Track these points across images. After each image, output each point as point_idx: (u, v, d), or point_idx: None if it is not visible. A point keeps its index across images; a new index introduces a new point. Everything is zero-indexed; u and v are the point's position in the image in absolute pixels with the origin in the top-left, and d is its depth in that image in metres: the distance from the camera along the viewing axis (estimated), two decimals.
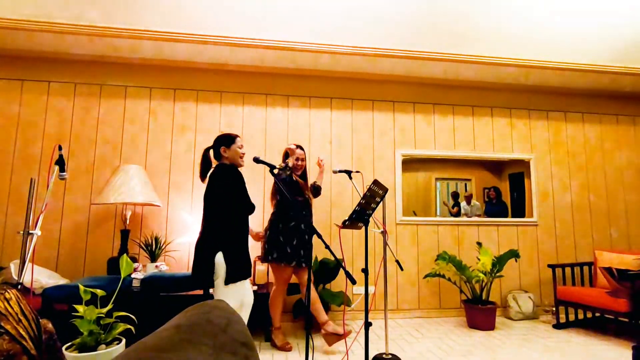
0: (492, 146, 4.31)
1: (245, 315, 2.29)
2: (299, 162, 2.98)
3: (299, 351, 2.88)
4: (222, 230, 2.14)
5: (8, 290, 0.90)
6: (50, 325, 1.03)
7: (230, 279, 2.08)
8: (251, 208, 2.21)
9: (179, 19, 3.15)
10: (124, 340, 2.08)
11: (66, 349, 1.91)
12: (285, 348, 2.86)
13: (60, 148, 2.37)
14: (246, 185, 2.27)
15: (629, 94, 4.58)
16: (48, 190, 2.17)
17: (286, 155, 2.98)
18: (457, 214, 4.19)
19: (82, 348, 1.91)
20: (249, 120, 3.91)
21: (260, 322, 3.11)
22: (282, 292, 2.95)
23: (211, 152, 2.33)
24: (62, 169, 2.33)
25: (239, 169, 2.31)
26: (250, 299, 2.31)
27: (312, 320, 3.31)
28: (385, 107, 4.17)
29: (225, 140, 2.27)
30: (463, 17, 3.14)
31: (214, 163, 2.32)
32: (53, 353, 0.99)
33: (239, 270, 2.13)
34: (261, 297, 3.12)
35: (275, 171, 2.20)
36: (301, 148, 3.01)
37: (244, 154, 2.31)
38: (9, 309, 0.85)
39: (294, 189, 2.92)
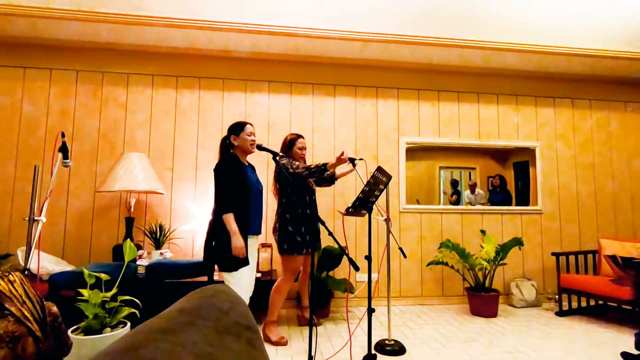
0: (497, 134, 4.26)
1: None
2: (303, 151, 2.97)
3: (302, 337, 2.91)
4: (218, 220, 2.20)
5: (12, 273, 0.90)
6: (55, 308, 1.04)
7: (222, 268, 2.17)
8: (232, 207, 2.16)
9: (179, 4, 3.10)
10: (128, 324, 2.11)
11: (72, 331, 1.94)
12: (281, 342, 2.72)
13: (63, 135, 2.37)
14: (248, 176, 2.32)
15: (638, 80, 4.49)
16: (52, 177, 2.18)
17: (290, 143, 2.95)
18: (457, 202, 4.17)
19: (88, 331, 1.94)
20: (251, 107, 3.88)
21: (265, 308, 3.13)
22: (290, 282, 2.85)
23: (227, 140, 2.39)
24: (65, 156, 2.34)
25: (249, 155, 2.44)
26: (248, 287, 2.33)
27: (315, 309, 3.34)
28: (389, 94, 4.12)
29: (235, 129, 2.34)
30: (468, 2, 3.06)
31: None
32: (58, 335, 1.01)
33: (229, 260, 2.15)
34: (265, 283, 3.15)
35: (278, 158, 2.21)
36: (302, 137, 3.01)
37: (253, 140, 2.35)
38: (13, 291, 0.86)
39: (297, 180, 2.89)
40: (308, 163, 3.13)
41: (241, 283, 2.19)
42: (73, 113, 3.62)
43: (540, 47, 3.72)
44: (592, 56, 3.84)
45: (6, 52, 3.57)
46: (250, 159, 3.77)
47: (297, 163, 2.78)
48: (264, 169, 3.82)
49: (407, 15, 3.26)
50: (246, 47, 3.73)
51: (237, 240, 2.11)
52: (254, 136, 2.37)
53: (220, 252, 2.15)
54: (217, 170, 2.25)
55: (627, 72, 4.28)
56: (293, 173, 2.69)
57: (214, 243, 2.18)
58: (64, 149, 2.33)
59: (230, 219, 2.13)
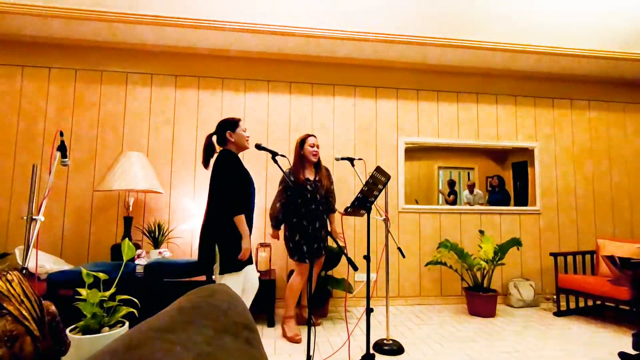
0: (496, 134, 4.26)
1: (247, 300, 2.31)
2: (314, 148, 2.96)
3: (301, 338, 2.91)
4: (220, 219, 2.12)
5: (10, 272, 0.90)
6: (53, 307, 1.04)
7: (224, 270, 2.10)
8: (242, 207, 2.12)
9: (179, 3, 3.10)
10: (127, 323, 2.11)
11: (70, 331, 1.94)
12: (295, 339, 2.77)
13: (61, 134, 2.37)
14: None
15: (637, 81, 4.51)
16: (50, 176, 2.17)
17: (301, 142, 2.97)
18: (454, 203, 4.18)
19: (86, 330, 1.94)
20: (250, 107, 3.88)
21: (264, 308, 3.14)
22: (300, 280, 2.91)
23: (214, 138, 2.31)
24: (64, 155, 2.33)
25: (245, 151, 2.34)
26: (253, 285, 2.31)
27: (312, 309, 3.34)
28: (388, 93, 4.13)
29: (230, 125, 2.26)
30: (468, 3, 3.07)
31: (218, 149, 2.30)
32: (56, 334, 1.00)
33: (233, 261, 2.10)
34: (264, 283, 3.14)
35: (277, 158, 2.20)
36: (313, 136, 3.01)
37: (248, 136, 2.32)
38: (11, 290, 0.86)
39: (294, 193, 2.94)
40: (320, 162, 3.11)
41: (253, 280, 2.19)
42: (71, 112, 3.62)
43: (540, 48, 3.73)
44: (592, 57, 3.85)
45: (4, 50, 3.56)
46: (249, 159, 3.78)
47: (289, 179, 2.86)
48: (262, 169, 3.82)
49: (407, 16, 3.26)
50: (245, 46, 3.72)
51: (246, 242, 2.09)
52: (247, 132, 2.32)
53: (225, 254, 2.09)
54: (220, 167, 2.14)
55: (626, 73, 4.29)
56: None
57: (216, 246, 2.11)
58: (62, 148, 2.32)
59: (242, 220, 2.09)
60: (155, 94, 3.75)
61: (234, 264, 2.10)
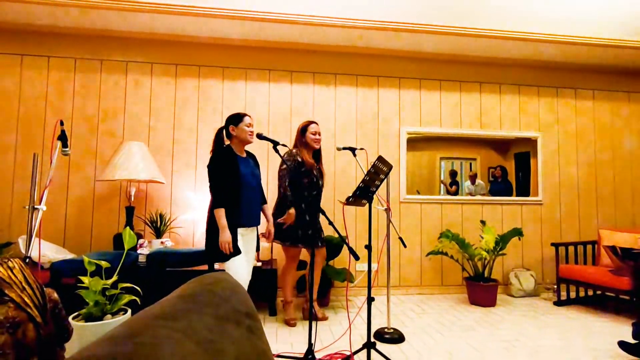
0: (499, 124, 4.23)
1: None
2: (316, 136, 2.94)
3: (302, 325, 2.94)
4: (212, 212, 2.25)
5: (11, 259, 0.90)
6: (55, 295, 1.04)
7: (212, 259, 2.23)
8: (222, 202, 2.17)
9: None
10: (129, 311, 2.12)
11: (73, 318, 1.96)
12: (289, 323, 2.90)
13: (61, 123, 2.35)
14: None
15: None
16: (52, 165, 2.17)
17: (302, 130, 2.94)
18: (456, 193, 4.17)
19: (89, 318, 1.95)
20: (251, 96, 3.85)
21: (265, 296, 3.16)
22: (289, 268, 2.96)
23: (224, 131, 2.39)
24: (64, 145, 2.32)
25: (247, 146, 2.46)
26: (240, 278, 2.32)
27: (312, 297, 3.36)
28: (390, 83, 4.08)
29: (234, 119, 2.36)
30: None
31: (227, 142, 2.40)
32: (59, 321, 1.01)
33: (218, 251, 2.19)
34: (265, 272, 3.16)
35: (278, 147, 2.21)
36: (315, 123, 2.98)
37: (252, 131, 2.38)
38: (13, 277, 0.86)
39: (301, 172, 2.90)
40: (320, 151, 3.07)
41: (237, 273, 2.21)
42: (72, 101, 3.59)
43: (543, 36, 3.67)
44: (596, 45, 3.79)
45: (3, 39, 3.53)
46: (249, 148, 3.77)
47: (285, 169, 2.84)
48: (263, 159, 3.81)
49: (409, 3, 3.21)
50: (246, 34, 3.68)
51: (223, 235, 2.15)
52: (253, 127, 2.39)
53: (214, 244, 2.20)
54: (209, 164, 2.27)
55: (631, 62, 4.23)
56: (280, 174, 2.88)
57: (210, 235, 2.24)
58: (63, 138, 2.31)
59: (220, 214, 2.16)
60: (156, 82, 3.72)
61: (219, 254, 2.19)
